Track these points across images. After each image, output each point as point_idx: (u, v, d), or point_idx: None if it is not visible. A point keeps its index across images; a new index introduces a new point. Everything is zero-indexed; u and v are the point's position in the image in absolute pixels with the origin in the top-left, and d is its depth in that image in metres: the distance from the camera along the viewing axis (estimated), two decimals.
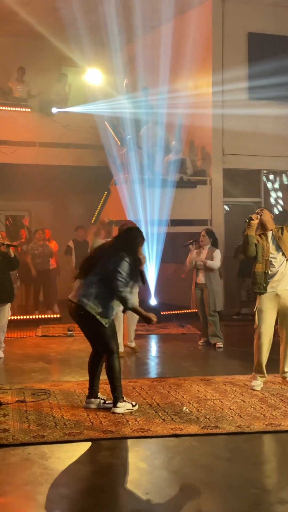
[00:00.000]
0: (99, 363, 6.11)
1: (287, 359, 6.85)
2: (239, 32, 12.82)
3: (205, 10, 12.76)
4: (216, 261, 9.14)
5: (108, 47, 14.73)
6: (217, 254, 9.18)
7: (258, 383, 6.75)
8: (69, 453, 4.98)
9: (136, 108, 13.95)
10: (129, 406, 5.94)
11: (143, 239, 6.03)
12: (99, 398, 6.08)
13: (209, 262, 9.08)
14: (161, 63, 14.16)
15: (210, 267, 9.10)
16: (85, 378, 7.23)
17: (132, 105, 14.13)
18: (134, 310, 6.01)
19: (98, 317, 5.80)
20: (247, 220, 6.72)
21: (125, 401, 5.94)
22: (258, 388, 6.68)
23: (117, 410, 5.88)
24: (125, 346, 8.69)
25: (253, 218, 6.71)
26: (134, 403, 6.02)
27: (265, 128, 12.95)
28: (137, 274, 5.88)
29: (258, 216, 6.74)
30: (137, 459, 4.94)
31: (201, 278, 9.16)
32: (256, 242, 6.76)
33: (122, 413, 5.82)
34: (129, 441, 5.23)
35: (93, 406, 6.03)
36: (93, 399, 6.07)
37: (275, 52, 12.98)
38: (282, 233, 6.80)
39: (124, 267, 5.80)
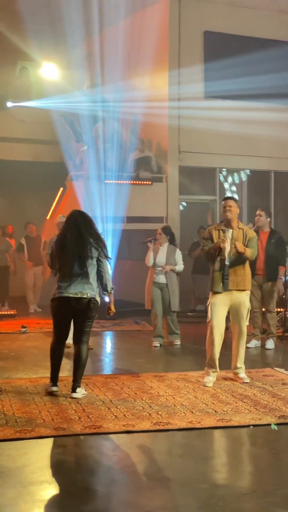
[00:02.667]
0: (63, 354, 6.48)
1: (239, 355, 6.94)
2: (195, 31, 12.89)
3: (162, 8, 12.80)
4: (181, 264, 9.19)
5: (65, 42, 14.64)
6: (179, 256, 9.17)
7: (210, 379, 6.81)
8: (20, 450, 4.95)
9: (93, 104, 13.91)
10: (83, 391, 6.32)
11: None
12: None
13: (177, 268, 9.10)
14: (118, 59, 14.15)
15: (178, 272, 9.14)
16: (37, 375, 7.23)
17: (88, 101, 14.10)
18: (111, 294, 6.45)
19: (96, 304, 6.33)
20: (218, 253, 6.74)
21: (80, 387, 6.33)
22: (210, 385, 6.75)
23: (76, 395, 6.22)
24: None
25: (221, 247, 6.75)
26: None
27: (221, 126, 13.05)
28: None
29: (226, 246, 6.76)
30: (88, 456, 4.94)
31: (161, 277, 9.14)
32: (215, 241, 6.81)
33: (80, 397, 6.21)
34: (81, 438, 5.22)
35: (56, 389, 6.38)
36: (56, 386, 6.41)
37: (230, 51, 13.10)
38: (243, 236, 6.83)
39: (108, 251, 6.37)
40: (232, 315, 6.92)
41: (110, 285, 6.37)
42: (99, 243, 6.29)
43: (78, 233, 6.24)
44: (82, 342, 6.32)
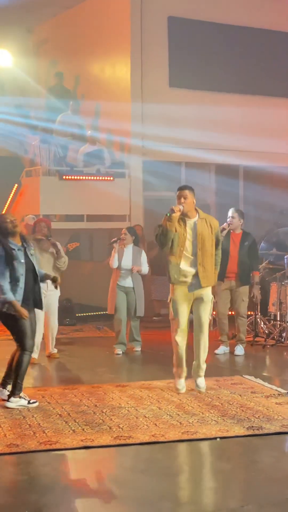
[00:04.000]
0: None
1: (200, 357, 6.91)
2: (159, 16, 12.86)
3: None
4: (146, 266, 9.22)
5: (18, 27, 14.52)
6: (145, 258, 9.20)
7: (182, 383, 6.85)
8: None
9: (51, 94, 13.82)
10: (23, 402, 6.35)
11: (7, 223, 6.44)
12: (6, 389, 6.56)
13: (142, 270, 9.12)
14: (76, 45, 14.09)
15: (143, 273, 9.19)
16: None
17: (46, 90, 14.01)
18: (10, 303, 6.38)
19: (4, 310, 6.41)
20: (168, 214, 6.69)
21: (21, 397, 6.37)
22: (184, 390, 6.79)
23: (9, 404, 6.32)
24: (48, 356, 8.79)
25: (174, 210, 6.68)
26: (32, 400, 6.40)
27: (187, 118, 13.08)
28: (11, 263, 6.33)
29: (181, 207, 6.73)
30: (43, 475, 4.90)
31: (128, 281, 9.13)
32: (174, 232, 6.75)
33: (16, 407, 6.27)
34: (36, 455, 5.18)
35: None
36: (1, 388, 6.57)
37: (197, 38, 13.12)
38: (207, 225, 6.80)
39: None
40: (194, 309, 6.92)
41: None
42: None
43: None
44: (19, 349, 6.48)
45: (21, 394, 6.41)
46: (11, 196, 13.03)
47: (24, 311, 6.37)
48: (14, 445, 5.30)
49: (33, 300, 6.56)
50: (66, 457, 5.18)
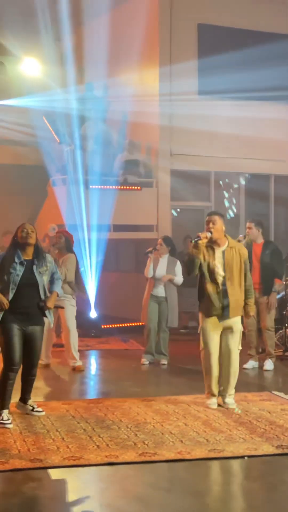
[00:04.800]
0: (24, 372, 6.63)
1: (230, 384, 6.90)
2: (189, 23, 12.92)
3: None
4: (180, 277, 9.21)
5: (47, 36, 14.65)
6: (179, 268, 9.20)
7: (214, 401, 6.84)
8: None
9: (79, 102, 13.90)
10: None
11: (22, 233, 6.42)
12: (28, 404, 6.63)
13: (175, 280, 9.13)
14: (104, 54, 14.16)
15: (176, 284, 9.18)
16: (13, 400, 7.18)
17: (74, 99, 14.09)
18: None
19: None
20: (195, 240, 6.72)
21: None
22: (215, 406, 6.78)
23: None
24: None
25: (201, 237, 6.70)
26: (8, 420, 6.21)
27: (216, 126, 13.07)
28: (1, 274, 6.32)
29: (208, 234, 6.74)
30: (66, 491, 4.89)
31: (160, 291, 9.17)
32: (202, 261, 6.77)
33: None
34: (59, 471, 5.17)
35: (21, 409, 6.62)
36: (22, 404, 6.65)
37: (226, 45, 13.12)
38: (235, 254, 6.78)
39: None
40: (223, 339, 6.89)
41: None
42: None
43: None
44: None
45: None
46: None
47: (3, 299, 6.23)
48: (38, 460, 5.29)
49: (35, 316, 6.45)
50: (90, 473, 5.16)
